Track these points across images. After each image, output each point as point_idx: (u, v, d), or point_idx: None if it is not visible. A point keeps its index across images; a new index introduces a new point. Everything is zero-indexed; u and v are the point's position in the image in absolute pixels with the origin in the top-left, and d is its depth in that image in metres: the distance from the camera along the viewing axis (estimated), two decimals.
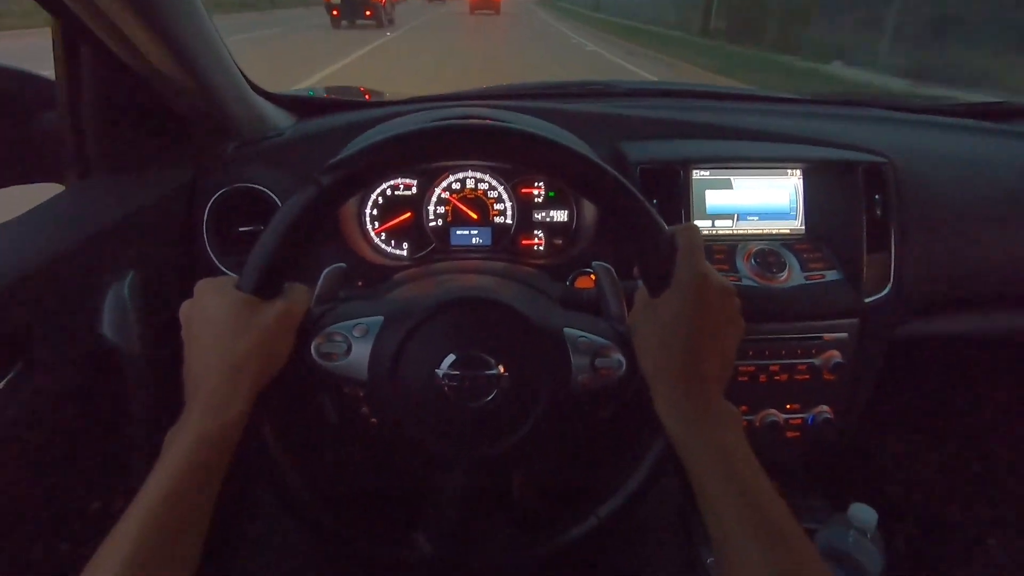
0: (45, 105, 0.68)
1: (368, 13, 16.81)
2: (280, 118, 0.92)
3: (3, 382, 0.51)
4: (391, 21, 18.60)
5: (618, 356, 0.52)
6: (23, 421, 0.53)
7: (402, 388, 0.49)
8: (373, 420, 0.53)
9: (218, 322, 0.45)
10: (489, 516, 0.55)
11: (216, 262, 0.78)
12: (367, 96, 1.20)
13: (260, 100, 0.88)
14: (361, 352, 0.50)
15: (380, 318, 0.51)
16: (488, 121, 0.50)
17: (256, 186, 0.78)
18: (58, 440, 0.58)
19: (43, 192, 0.68)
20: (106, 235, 0.64)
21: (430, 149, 0.49)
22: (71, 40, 0.63)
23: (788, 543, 0.40)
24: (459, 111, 0.87)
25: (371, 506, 0.62)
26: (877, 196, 0.84)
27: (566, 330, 0.52)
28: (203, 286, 0.48)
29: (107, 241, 0.64)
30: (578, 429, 0.55)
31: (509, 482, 0.58)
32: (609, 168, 0.48)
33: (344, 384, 0.51)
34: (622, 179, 0.48)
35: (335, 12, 16.48)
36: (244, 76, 0.82)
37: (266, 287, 0.47)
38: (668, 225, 0.49)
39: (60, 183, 0.72)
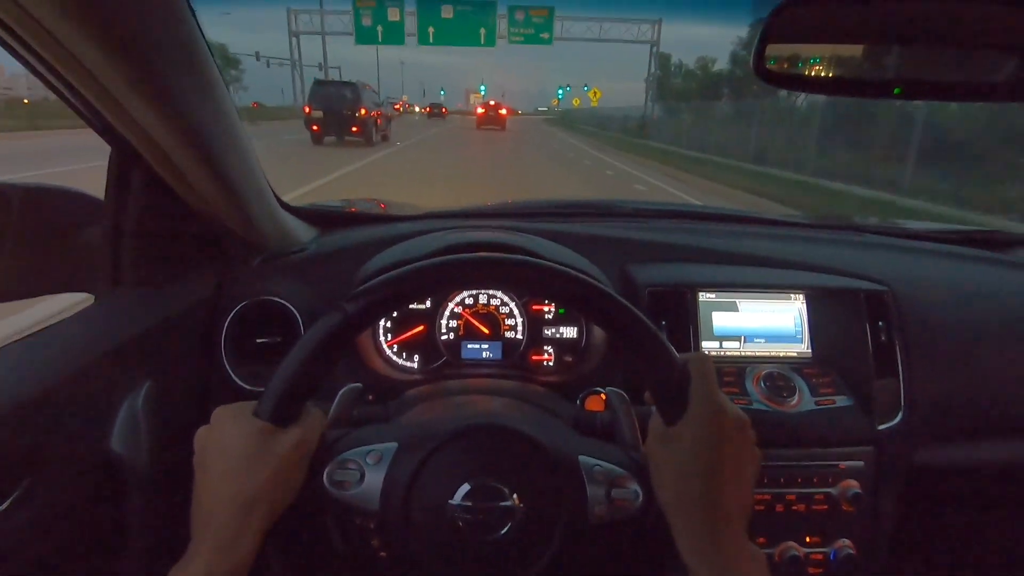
0: (88, 221, 0.73)
1: (355, 129, 14.55)
2: (303, 231, 0.97)
3: (9, 499, 0.50)
4: (385, 138, 16.92)
5: (635, 487, 0.51)
6: (24, 538, 0.51)
7: (415, 520, 0.48)
8: (383, 554, 0.51)
9: (232, 454, 0.45)
10: None
11: (230, 372, 0.79)
12: (383, 207, 1.27)
13: (285, 214, 0.94)
14: (374, 480, 0.49)
15: (394, 444, 0.51)
16: (503, 254, 0.53)
17: (277, 299, 0.81)
18: (58, 557, 0.56)
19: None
20: (127, 348, 0.66)
21: (451, 280, 0.52)
22: (123, 163, 0.69)
23: None
24: (476, 236, 0.92)
25: None
26: (881, 322, 0.86)
27: (581, 458, 0.52)
28: (220, 414, 0.48)
29: (128, 354, 0.66)
30: (595, 563, 0.53)
31: None
32: (623, 300, 0.50)
33: (354, 515, 0.50)
34: (636, 311, 0.50)
35: (315, 128, 14.47)
36: (273, 192, 0.88)
37: (283, 414, 0.47)
38: (679, 352, 0.51)
39: (91, 293, 0.75)
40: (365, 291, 0.49)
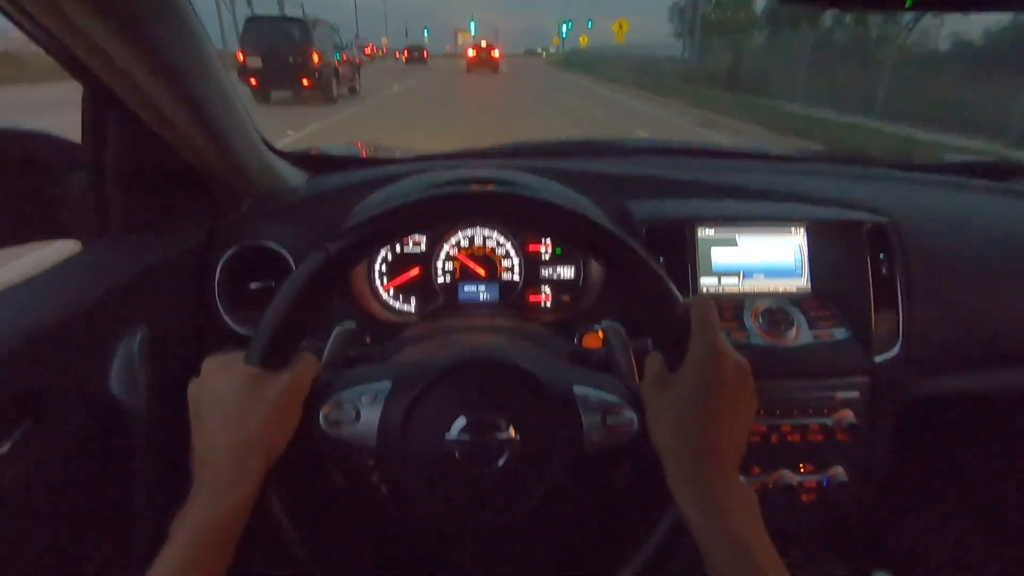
0: (69, 166, 0.71)
1: (306, 82, 10.44)
2: (293, 175, 0.95)
3: (10, 441, 0.50)
4: (353, 90, 12.90)
5: (629, 414, 0.51)
6: (29, 478, 0.52)
7: (412, 454, 0.49)
8: (383, 489, 0.51)
9: (225, 401, 0.45)
10: None
11: (226, 319, 0.79)
12: (364, 153, 1.24)
13: (274, 157, 0.91)
14: (370, 419, 0.49)
15: (388, 383, 0.51)
16: (490, 187, 0.51)
17: (269, 244, 0.80)
18: (60, 499, 0.57)
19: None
20: (119, 293, 0.65)
21: (437, 216, 0.50)
22: (98, 105, 0.66)
23: None
24: (469, 174, 0.89)
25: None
26: (882, 255, 0.85)
27: (576, 388, 0.52)
28: (210, 364, 0.48)
29: (120, 299, 0.65)
30: (592, 492, 0.54)
31: (523, 549, 0.56)
32: (628, 238, 0.49)
33: (353, 452, 0.50)
34: (641, 249, 0.49)
35: (253, 81, 10.39)
36: (260, 135, 0.85)
37: (273, 359, 0.47)
38: (679, 292, 0.50)
39: (79, 239, 0.73)
40: (347, 230, 0.47)
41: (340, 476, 0.56)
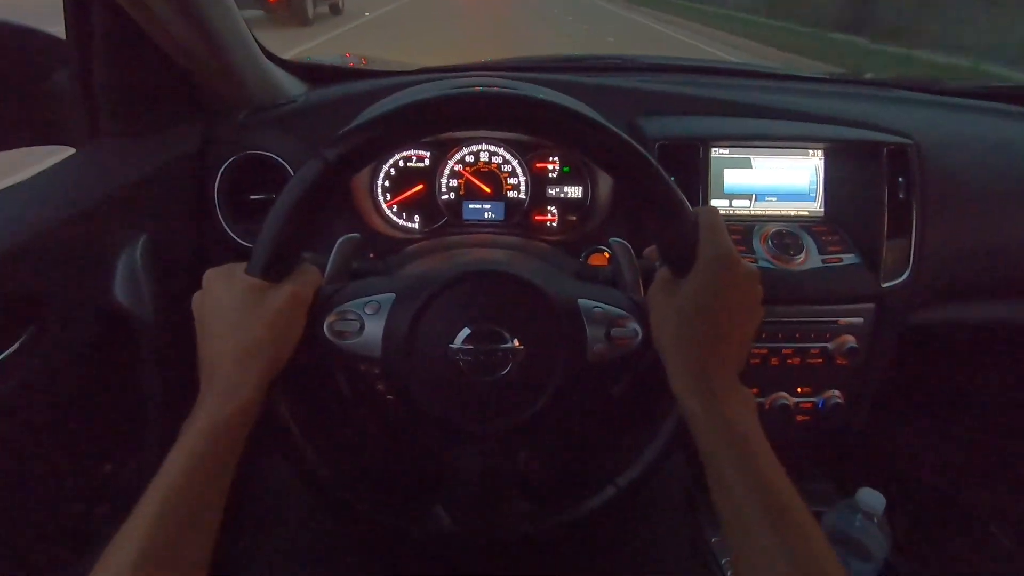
0: (55, 64, 0.67)
1: None
2: (293, 85, 0.91)
3: (16, 344, 0.50)
4: (336, 9, 10.39)
5: (634, 326, 0.51)
6: (36, 384, 0.53)
7: (417, 364, 0.49)
8: (389, 396, 0.52)
9: (228, 310, 0.45)
10: (507, 489, 0.55)
11: (227, 230, 0.77)
12: (364, 62, 1.18)
13: (272, 67, 0.87)
14: (374, 329, 0.49)
15: (392, 295, 0.50)
16: (497, 88, 0.48)
17: (268, 153, 0.77)
18: (70, 403, 0.58)
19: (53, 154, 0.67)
20: (117, 198, 0.63)
21: (437, 121, 0.48)
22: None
23: (798, 526, 0.40)
24: (473, 82, 0.85)
25: (390, 482, 0.63)
26: (900, 179, 0.82)
27: (580, 301, 0.51)
28: (211, 275, 0.47)
29: (118, 205, 0.64)
30: (594, 401, 0.55)
31: (525, 456, 0.58)
32: (636, 144, 0.47)
33: (359, 362, 0.50)
34: (648, 155, 0.47)
35: None
36: (257, 42, 0.80)
37: (274, 270, 0.46)
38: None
39: (71, 145, 0.71)
40: (344, 134, 0.45)
41: (346, 385, 0.57)
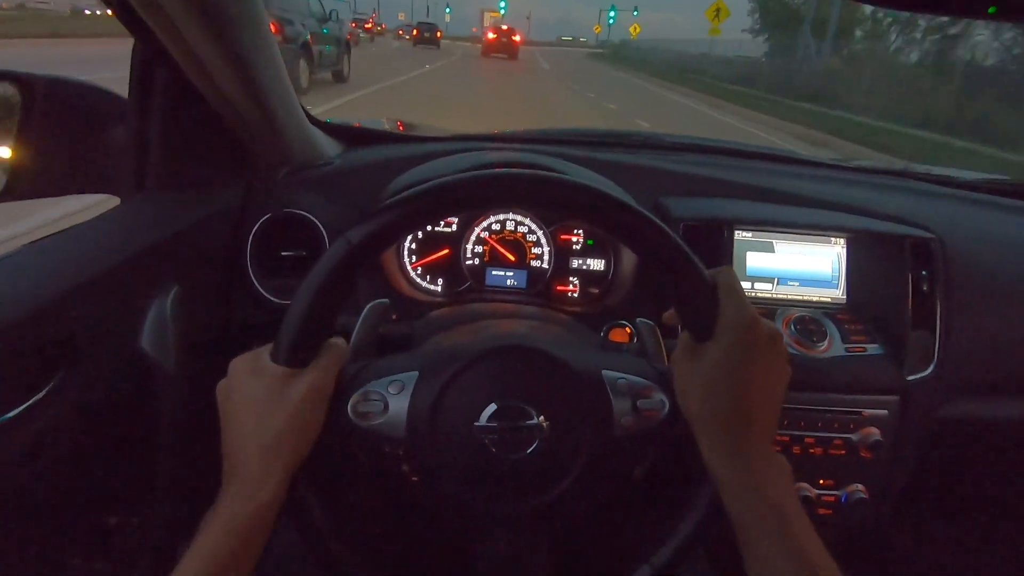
0: (114, 120, 0.71)
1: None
2: (328, 145, 0.95)
3: (45, 390, 0.51)
4: (339, 76, 9.83)
5: (660, 396, 0.50)
6: (60, 428, 0.53)
7: (441, 443, 0.48)
8: (414, 479, 0.51)
9: (251, 402, 0.45)
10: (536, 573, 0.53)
11: (256, 284, 0.79)
12: (400, 127, 1.23)
13: (312, 128, 0.91)
14: (398, 409, 0.48)
15: (415, 373, 0.50)
16: (507, 168, 0.49)
17: (303, 213, 0.80)
18: (85, 451, 0.58)
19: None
20: (154, 251, 0.65)
21: (460, 202, 0.49)
22: (148, 61, 0.66)
23: None
24: (499, 156, 0.88)
25: (416, 567, 0.61)
26: (924, 271, 0.82)
27: (605, 372, 0.51)
28: (237, 365, 0.48)
29: (155, 257, 0.65)
30: (623, 477, 0.53)
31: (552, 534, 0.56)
32: (648, 213, 0.48)
33: (383, 443, 0.50)
34: (661, 224, 0.47)
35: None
36: (300, 103, 0.84)
37: (299, 355, 0.46)
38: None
39: (116, 195, 0.74)
40: (370, 216, 0.46)
41: (370, 467, 0.56)
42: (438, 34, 32.37)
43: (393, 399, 0.48)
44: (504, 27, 28.00)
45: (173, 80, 0.66)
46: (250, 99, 0.68)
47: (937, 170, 1.14)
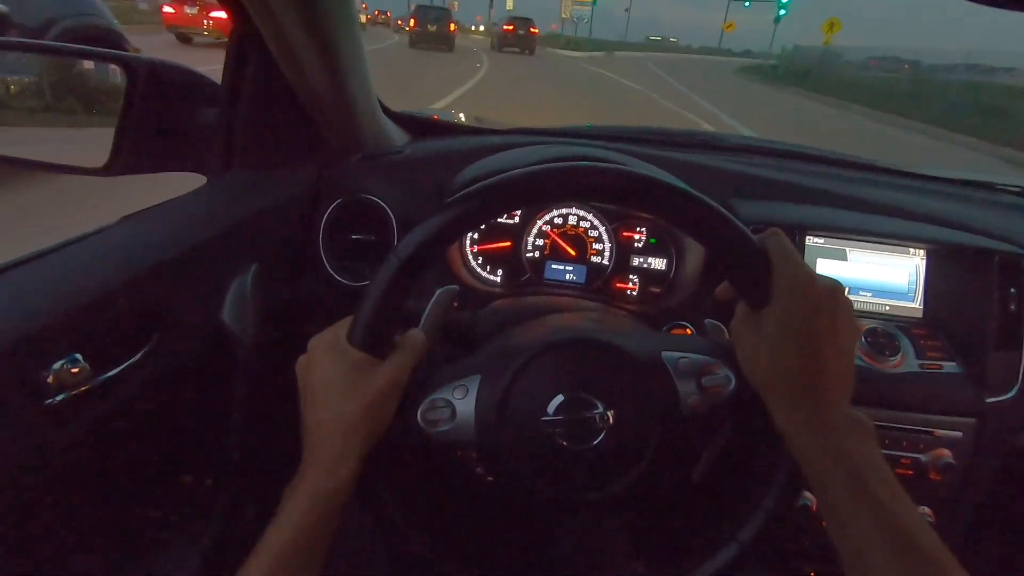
0: (205, 103, 0.75)
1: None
2: (397, 135, 0.97)
3: (140, 353, 0.55)
4: None
5: (725, 372, 0.49)
6: (149, 389, 0.57)
7: (511, 441, 0.49)
8: (489, 478, 0.52)
9: (330, 383, 0.47)
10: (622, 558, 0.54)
11: (327, 264, 0.82)
12: (459, 117, 1.25)
13: (384, 117, 0.94)
14: (466, 413, 0.49)
15: (477, 376, 0.50)
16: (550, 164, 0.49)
17: (374, 198, 0.82)
18: (171, 412, 0.62)
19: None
20: (238, 229, 0.69)
21: (502, 207, 0.49)
22: (243, 49, 0.69)
23: (931, 562, 0.36)
24: (557, 151, 0.88)
25: (492, 556, 0.62)
26: (1012, 289, 0.77)
27: (664, 354, 0.50)
28: (316, 344, 0.49)
29: (238, 233, 0.69)
30: (694, 452, 0.53)
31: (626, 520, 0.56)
32: (689, 188, 0.47)
33: (455, 448, 0.51)
34: (701, 196, 0.47)
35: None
36: (375, 93, 0.87)
37: (376, 343, 0.48)
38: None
39: (203, 174, 0.78)
40: (448, 204, 0.46)
41: (446, 469, 0.57)
42: (451, 26, 18.39)
43: (460, 403, 0.49)
44: (522, 17, 23.31)
45: (263, 67, 0.70)
46: (334, 86, 0.71)
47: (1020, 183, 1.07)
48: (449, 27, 18.18)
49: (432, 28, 17.91)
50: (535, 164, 0.47)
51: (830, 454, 0.41)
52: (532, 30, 21.98)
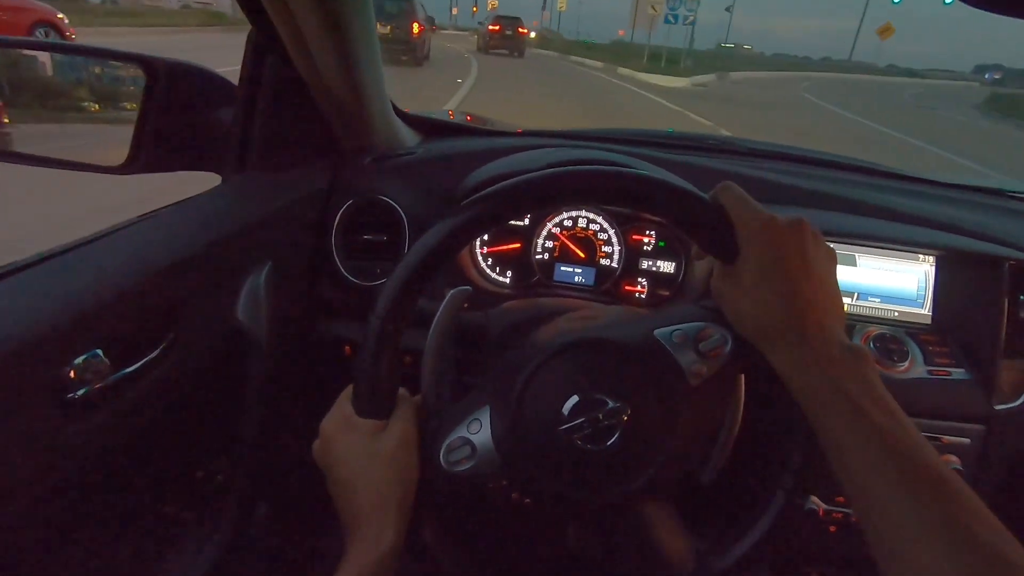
0: (222, 104, 0.76)
1: None
2: (408, 136, 0.98)
3: (157, 350, 0.55)
4: None
5: (718, 332, 0.49)
6: (162, 386, 0.57)
7: (536, 457, 0.49)
8: (527, 500, 0.53)
9: (349, 461, 0.48)
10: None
11: (339, 265, 0.83)
12: (469, 119, 1.26)
13: (396, 118, 0.94)
14: (485, 445, 0.49)
15: (487, 407, 0.50)
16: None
17: (387, 199, 0.83)
18: (185, 408, 0.63)
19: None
20: (252, 228, 0.70)
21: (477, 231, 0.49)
22: (260, 51, 0.70)
23: (935, 484, 0.36)
24: (563, 155, 0.88)
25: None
26: (1022, 297, 0.78)
27: (657, 332, 0.50)
28: (326, 427, 0.50)
29: (252, 234, 0.70)
30: (712, 416, 0.53)
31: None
32: (636, 170, 0.48)
33: (487, 481, 0.50)
34: (651, 174, 0.47)
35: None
36: (387, 94, 0.88)
37: (382, 407, 0.49)
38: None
39: (219, 174, 0.79)
40: (384, 290, 0.47)
41: (484, 504, 0.57)
42: (414, 29, 12.31)
43: (476, 438, 0.49)
44: (509, 16, 22.02)
45: (280, 69, 0.71)
46: (350, 88, 0.72)
47: None
48: (412, 30, 12.30)
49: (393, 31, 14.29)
50: (535, 170, 0.48)
51: (826, 386, 0.41)
52: (520, 30, 21.29)
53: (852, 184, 0.96)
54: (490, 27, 21.71)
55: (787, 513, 0.50)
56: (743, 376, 0.54)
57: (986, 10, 0.47)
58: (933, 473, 0.37)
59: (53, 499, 0.49)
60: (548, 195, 0.48)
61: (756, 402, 0.56)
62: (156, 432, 0.59)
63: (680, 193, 0.47)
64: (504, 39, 21.11)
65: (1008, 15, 0.46)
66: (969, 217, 0.88)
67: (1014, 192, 1.03)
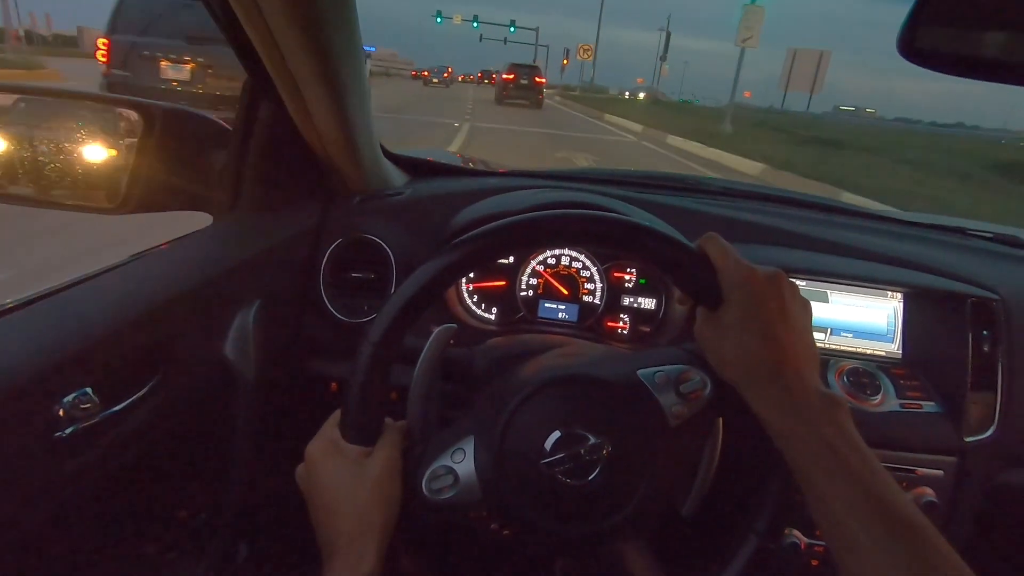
0: (215, 147, 0.78)
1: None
2: (396, 176, 1.01)
3: (144, 389, 0.56)
4: None
5: (699, 375, 0.51)
6: (150, 424, 0.58)
7: (517, 489, 0.50)
8: (505, 532, 0.53)
9: (334, 485, 0.49)
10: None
11: (326, 302, 0.84)
12: (458, 155, 1.29)
13: (384, 159, 0.98)
14: (468, 475, 0.50)
15: (471, 437, 0.52)
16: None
17: (374, 238, 0.85)
18: (170, 447, 0.63)
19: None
20: (242, 267, 0.71)
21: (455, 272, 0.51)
22: (256, 96, 0.73)
23: (908, 528, 0.38)
24: (549, 197, 0.91)
25: None
26: (985, 332, 0.81)
27: (640, 372, 0.52)
28: (312, 452, 0.51)
29: (242, 273, 0.71)
30: (689, 459, 0.54)
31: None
32: (624, 216, 0.51)
33: (467, 510, 0.52)
34: (637, 220, 0.50)
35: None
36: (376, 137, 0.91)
37: (367, 433, 0.50)
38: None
39: (210, 213, 0.81)
40: (379, 315, 0.49)
41: (462, 532, 0.58)
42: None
43: (460, 467, 0.51)
44: (525, 64, 21.57)
45: (274, 113, 0.73)
46: (341, 132, 0.74)
47: (998, 228, 1.12)
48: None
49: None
50: (523, 211, 0.50)
51: (803, 432, 0.43)
52: (537, 79, 20.60)
53: (825, 224, 1.01)
54: (504, 76, 21.12)
55: (768, 547, 0.51)
56: (721, 420, 0.55)
57: (935, 70, 0.51)
58: (904, 514, 0.39)
59: (40, 536, 0.49)
60: (544, 237, 0.51)
61: (735, 441, 0.57)
62: (142, 470, 0.59)
63: (667, 241, 0.50)
64: (519, 89, 20.66)
65: (961, 76, 0.50)
66: (932, 255, 0.92)
67: (974, 230, 1.08)
